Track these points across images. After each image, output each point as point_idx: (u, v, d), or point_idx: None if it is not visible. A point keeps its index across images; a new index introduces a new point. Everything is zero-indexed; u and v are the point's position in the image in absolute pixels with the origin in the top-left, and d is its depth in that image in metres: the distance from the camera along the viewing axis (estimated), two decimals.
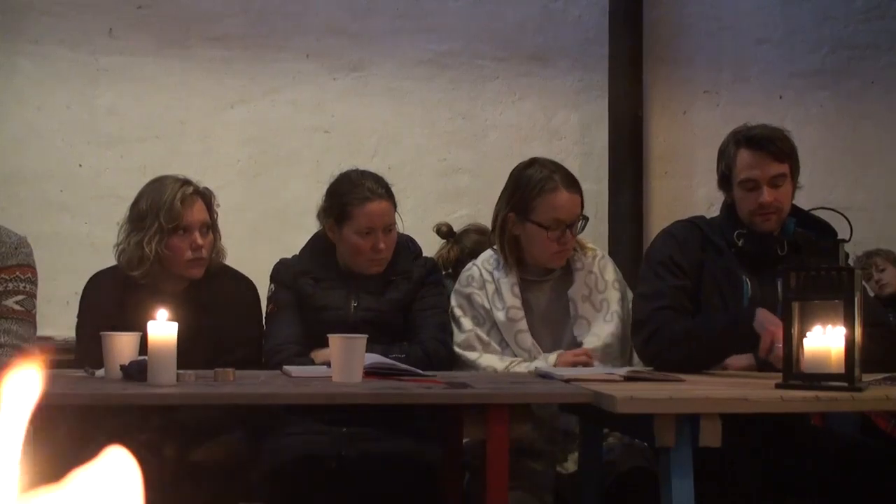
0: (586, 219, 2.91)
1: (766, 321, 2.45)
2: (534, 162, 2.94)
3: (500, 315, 2.85)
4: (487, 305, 2.88)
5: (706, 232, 2.81)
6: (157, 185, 2.78)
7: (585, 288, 2.90)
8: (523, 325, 2.85)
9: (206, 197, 2.82)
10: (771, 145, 2.69)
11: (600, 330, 2.86)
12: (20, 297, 2.61)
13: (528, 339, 2.84)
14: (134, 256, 2.71)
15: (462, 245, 3.83)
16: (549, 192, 2.82)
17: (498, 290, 2.88)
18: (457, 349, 2.86)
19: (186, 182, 2.78)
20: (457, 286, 2.99)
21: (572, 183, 2.88)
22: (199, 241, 2.72)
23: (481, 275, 2.92)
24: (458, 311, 2.90)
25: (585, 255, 2.95)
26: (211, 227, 2.81)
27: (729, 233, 2.76)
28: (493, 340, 2.86)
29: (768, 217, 2.70)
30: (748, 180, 2.69)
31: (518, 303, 2.86)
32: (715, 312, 2.70)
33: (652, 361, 2.67)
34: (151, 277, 2.74)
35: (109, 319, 2.53)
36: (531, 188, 2.84)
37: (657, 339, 2.65)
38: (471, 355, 2.82)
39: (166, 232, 2.69)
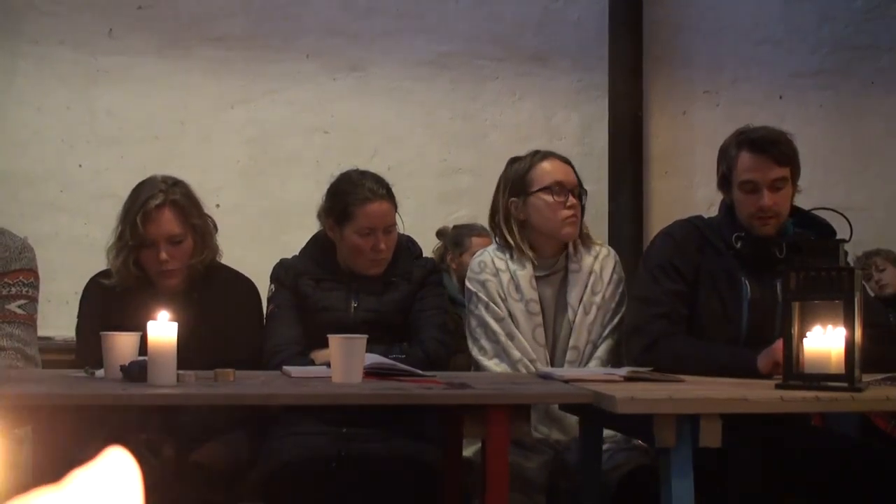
0: (585, 191, 2.97)
1: (767, 358, 2.43)
2: (514, 160, 3.02)
3: (519, 306, 2.85)
4: (503, 293, 2.88)
5: (705, 232, 2.80)
6: (134, 193, 2.73)
7: (589, 293, 2.90)
8: (539, 319, 2.86)
9: (179, 205, 2.71)
10: (773, 148, 2.68)
11: (596, 332, 2.87)
12: (22, 301, 2.61)
13: (542, 336, 2.85)
14: (113, 268, 2.72)
15: (445, 239, 3.93)
16: (539, 162, 2.92)
17: (514, 281, 2.88)
18: (469, 343, 2.88)
19: (162, 189, 2.69)
20: (469, 273, 2.97)
21: (556, 156, 2.98)
22: (163, 255, 2.67)
23: (493, 262, 2.92)
24: (474, 294, 2.90)
25: (588, 253, 2.94)
26: (186, 234, 2.72)
27: (728, 234, 2.76)
28: (504, 331, 2.85)
29: (767, 221, 2.69)
30: (748, 182, 2.68)
31: (536, 296, 2.87)
32: (715, 321, 2.69)
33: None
34: (131, 285, 2.72)
35: (109, 319, 2.53)
36: (522, 170, 2.93)
37: (654, 354, 2.63)
38: (476, 353, 2.85)
39: (133, 248, 2.68)
